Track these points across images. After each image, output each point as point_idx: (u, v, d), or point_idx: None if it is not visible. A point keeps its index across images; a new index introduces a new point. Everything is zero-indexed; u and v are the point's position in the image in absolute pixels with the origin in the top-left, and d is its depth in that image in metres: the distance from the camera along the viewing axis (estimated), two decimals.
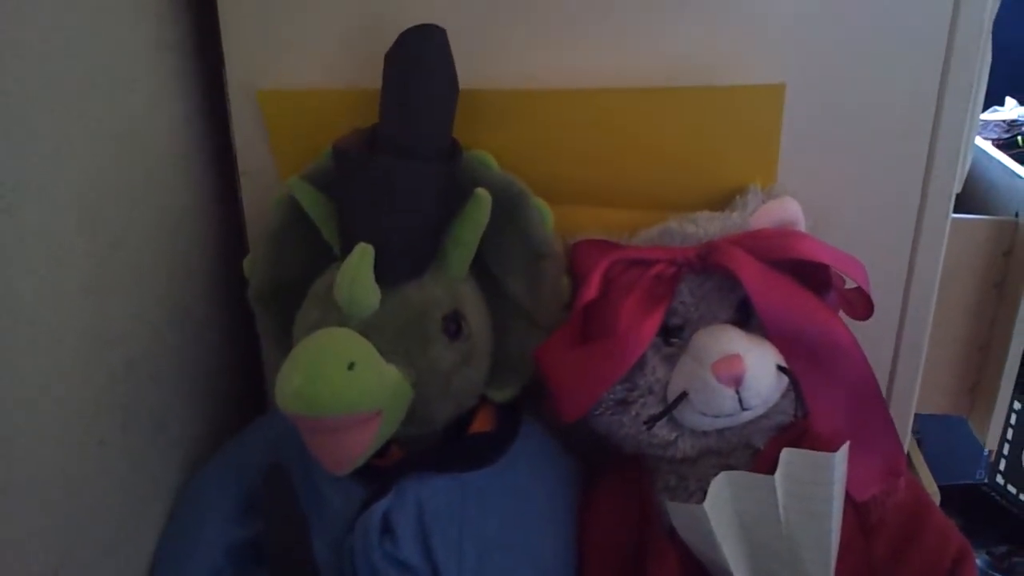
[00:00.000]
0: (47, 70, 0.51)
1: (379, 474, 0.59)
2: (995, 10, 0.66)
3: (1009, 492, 1.13)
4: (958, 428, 0.90)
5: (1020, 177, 0.80)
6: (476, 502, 0.59)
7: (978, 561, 0.86)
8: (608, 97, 0.62)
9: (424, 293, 0.57)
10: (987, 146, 0.90)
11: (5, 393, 0.48)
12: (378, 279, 0.55)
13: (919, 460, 0.83)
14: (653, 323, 0.56)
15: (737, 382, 0.54)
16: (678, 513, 0.55)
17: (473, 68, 0.59)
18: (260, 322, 0.66)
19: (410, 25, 0.57)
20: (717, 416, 0.56)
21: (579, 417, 0.58)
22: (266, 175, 0.68)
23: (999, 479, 1.14)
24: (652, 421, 0.58)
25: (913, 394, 0.70)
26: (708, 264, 0.57)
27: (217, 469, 0.66)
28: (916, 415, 0.72)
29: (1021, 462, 1.09)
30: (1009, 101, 1.27)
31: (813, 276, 0.58)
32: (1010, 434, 1.09)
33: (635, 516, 0.62)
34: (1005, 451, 1.11)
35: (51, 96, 0.52)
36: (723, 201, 0.63)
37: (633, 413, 0.58)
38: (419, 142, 0.57)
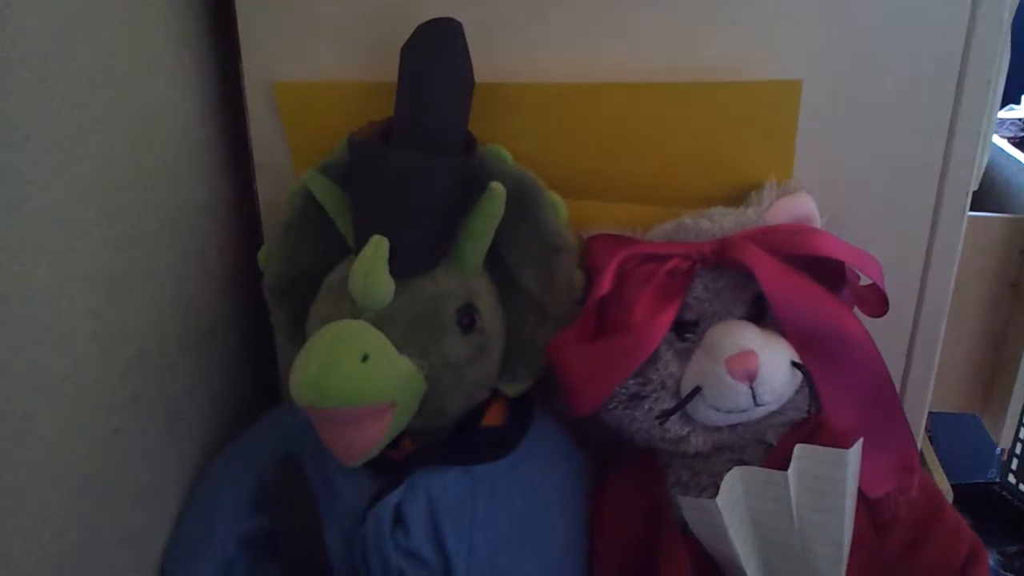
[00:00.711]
0: (63, 62, 0.52)
1: (391, 466, 0.59)
2: (1015, 7, 0.65)
3: (1021, 492, 1.12)
4: (970, 427, 0.90)
5: None
6: (487, 495, 0.59)
7: (989, 561, 0.85)
8: (623, 92, 0.62)
9: (438, 286, 0.57)
10: (1004, 144, 0.90)
11: (20, 382, 0.48)
12: (392, 272, 0.55)
13: (932, 458, 0.83)
14: (667, 318, 0.55)
15: (751, 378, 0.54)
16: (690, 508, 0.55)
17: (489, 62, 0.59)
18: (274, 314, 0.66)
19: (426, 18, 0.57)
20: (730, 412, 0.56)
21: (592, 411, 0.59)
22: (282, 167, 0.68)
23: (1011, 478, 1.14)
24: (665, 416, 0.57)
25: (927, 392, 0.70)
26: (723, 259, 0.57)
27: (230, 460, 0.66)
28: (929, 413, 0.72)
29: None
30: None
31: (828, 272, 0.58)
32: (1023, 433, 1.09)
33: (647, 511, 0.62)
34: (1018, 450, 1.11)
35: (67, 89, 0.52)
36: (738, 196, 0.63)
37: (646, 408, 0.58)
38: (434, 135, 0.57)
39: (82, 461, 0.54)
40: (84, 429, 0.54)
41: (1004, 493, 1.15)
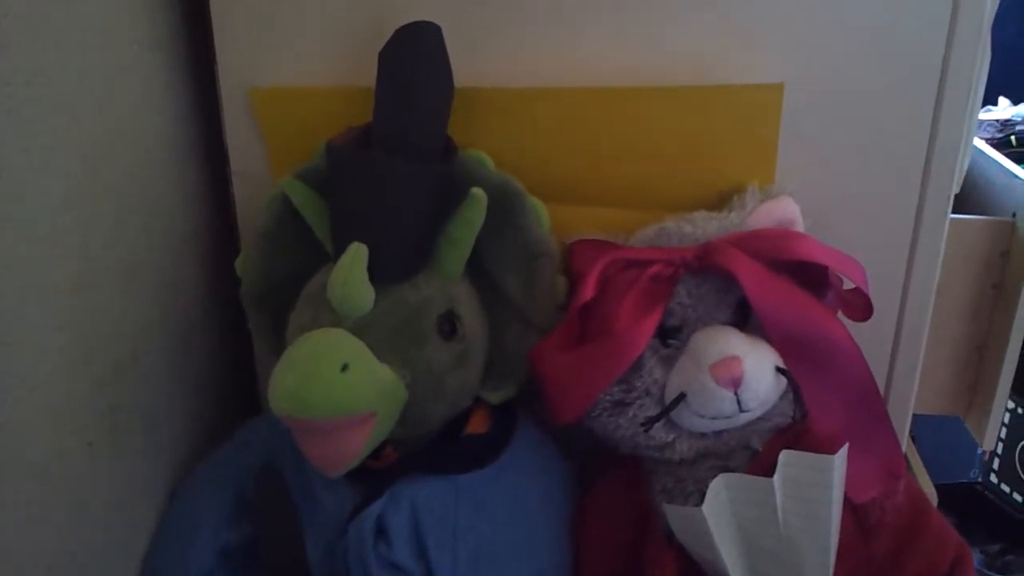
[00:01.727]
0: (36, 69, 0.51)
1: (373, 476, 0.58)
2: (994, 11, 0.65)
3: (1003, 491, 1.13)
4: (952, 427, 0.90)
5: (1017, 177, 0.80)
6: (471, 504, 0.59)
7: (974, 563, 0.86)
8: (605, 96, 0.61)
9: (418, 293, 0.57)
10: (984, 146, 0.90)
11: None
12: (372, 279, 0.54)
13: (916, 461, 0.83)
14: (650, 324, 0.55)
15: (736, 384, 0.53)
16: (676, 516, 0.55)
17: (469, 66, 0.59)
18: (252, 322, 0.65)
19: (405, 22, 0.56)
20: (715, 418, 0.55)
21: (575, 419, 0.58)
22: (259, 174, 0.68)
23: (993, 478, 1.14)
24: (649, 423, 0.57)
25: (911, 395, 0.70)
26: (706, 265, 0.57)
27: (209, 471, 0.65)
28: (912, 415, 0.72)
29: (1015, 461, 1.10)
30: (1002, 101, 1.27)
31: (811, 277, 0.58)
32: (1004, 433, 1.10)
33: (632, 518, 0.62)
34: (999, 450, 1.12)
35: (40, 94, 0.51)
36: (721, 201, 0.63)
37: (630, 415, 0.57)
38: (414, 141, 0.56)
39: (57, 472, 0.53)
40: (58, 442, 0.53)
41: (987, 493, 1.15)
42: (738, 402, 0.54)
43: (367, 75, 0.57)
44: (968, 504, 1.15)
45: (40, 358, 0.51)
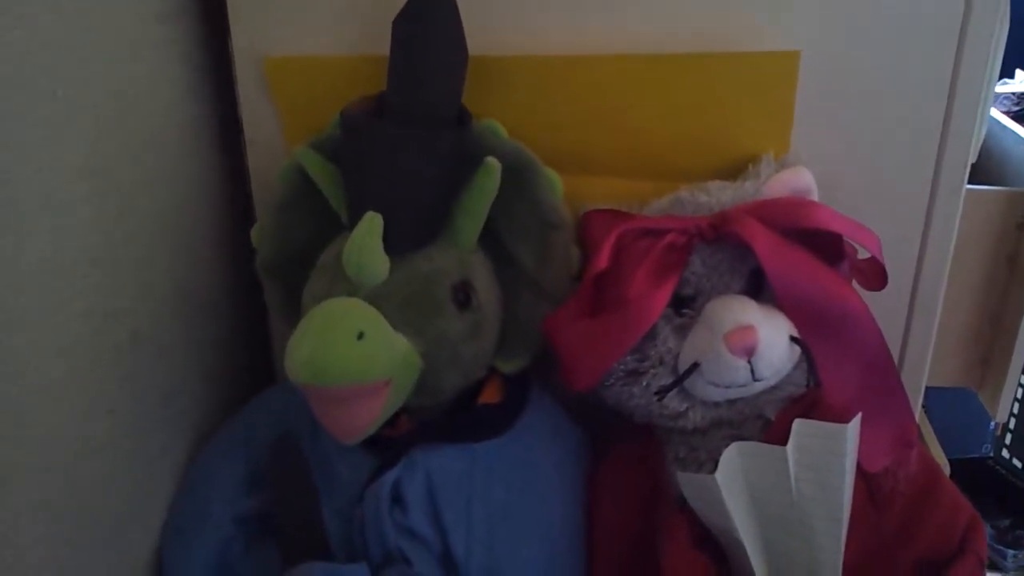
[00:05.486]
0: (50, 40, 0.51)
1: (389, 444, 0.59)
2: None
3: (1015, 466, 1.13)
4: (964, 402, 0.90)
5: None
6: (485, 472, 0.59)
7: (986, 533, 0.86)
8: (619, 64, 0.61)
9: (433, 263, 0.57)
10: (1002, 116, 0.89)
11: (13, 362, 0.48)
12: (387, 248, 0.54)
13: (929, 433, 0.83)
14: (665, 293, 0.55)
15: (749, 353, 0.53)
16: (689, 484, 0.55)
17: (483, 35, 0.58)
18: (268, 292, 0.65)
19: None
20: (729, 387, 0.55)
21: (589, 388, 0.58)
22: (273, 144, 0.68)
23: (1005, 452, 1.14)
24: (663, 392, 0.57)
25: (924, 366, 0.70)
26: (720, 234, 0.56)
27: (226, 440, 0.66)
28: (925, 388, 0.72)
29: None
30: (1019, 74, 1.26)
31: (826, 246, 0.57)
32: (1016, 409, 1.09)
33: (645, 487, 0.62)
34: (1012, 425, 1.11)
35: (55, 65, 0.51)
36: (736, 170, 0.62)
37: (644, 384, 0.58)
38: (428, 109, 0.56)
39: (76, 443, 0.54)
40: (77, 410, 0.54)
41: (998, 467, 1.15)
42: (752, 371, 0.54)
43: (381, 44, 0.57)
44: (980, 479, 1.15)
45: (59, 328, 0.52)
